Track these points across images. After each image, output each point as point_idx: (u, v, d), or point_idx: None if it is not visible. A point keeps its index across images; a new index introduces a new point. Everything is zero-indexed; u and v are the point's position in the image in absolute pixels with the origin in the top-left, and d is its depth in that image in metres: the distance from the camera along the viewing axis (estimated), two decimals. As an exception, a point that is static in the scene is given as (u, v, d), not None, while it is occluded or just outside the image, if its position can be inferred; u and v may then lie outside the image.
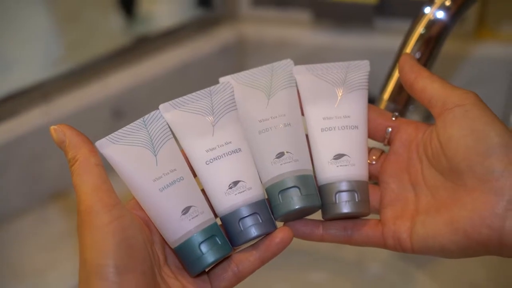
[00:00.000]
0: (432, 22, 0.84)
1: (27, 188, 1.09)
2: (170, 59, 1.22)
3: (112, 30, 1.31)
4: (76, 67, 1.16)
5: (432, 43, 0.84)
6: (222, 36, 1.28)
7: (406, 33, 0.86)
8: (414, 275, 1.02)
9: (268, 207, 0.66)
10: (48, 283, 0.99)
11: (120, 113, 1.14)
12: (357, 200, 0.66)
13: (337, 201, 0.66)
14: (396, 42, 0.87)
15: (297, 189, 0.65)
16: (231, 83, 0.69)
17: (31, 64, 1.19)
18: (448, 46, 0.90)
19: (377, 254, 1.05)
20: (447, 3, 0.83)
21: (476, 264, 1.01)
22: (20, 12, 1.19)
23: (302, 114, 0.69)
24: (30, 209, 1.10)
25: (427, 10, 0.84)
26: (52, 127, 0.63)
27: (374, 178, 0.69)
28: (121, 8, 1.29)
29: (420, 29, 0.84)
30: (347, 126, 0.67)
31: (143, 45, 1.23)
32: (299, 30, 1.26)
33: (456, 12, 0.84)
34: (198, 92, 0.68)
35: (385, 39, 1.19)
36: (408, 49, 0.84)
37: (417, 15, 0.85)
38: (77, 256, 1.00)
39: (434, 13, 0.84)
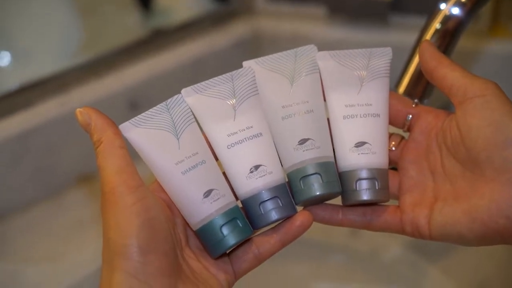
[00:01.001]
0: (448, 18, 0.84)
1: (42, 177, 1.10)
2: (186, 52, 1.23)
3: (129, 23, 1.31)
4: (93, 59, 1.17)
5: (447, 39, 0.84)
6: (237, 30, 1.29)
7: (421, 28, 0.86)
8: (426, 268, 1.02)
9: (289, 191, 0.67)
10: (61, 269, 1.00)
11: (136, 105, 1.15)
12: (377, 188, 0.66)
13: (357, 188, 0.66)
14: (411, 38, 0.88)
15: (318, 176, 0.66)
16: (255, 67, 0.69)
17: (49, 55, 1.20)
18: (462, 43, 0.90)
19: (388, 246, 1.06)
20: (463, 0, 0.84)
21: (487, 260, 1.02)
22: (39, 4, 1.20)
23: (324, 99, 0.69)
24: (45, 199, 1.11)
25: (442, 6, 0.84)
26: (78, 109, 0.64)
27: (393, 164, 0.70)
28: (138, 2, 1.30)
29: (435, 25, 0.84)
30: (369, 114, 0.68)
31: (160, 38, 1.24)
32: (314, 25, 1.27)
33: (472, 8, 0.84)
34: (220, 76, 0.68)
35: (399, 35, 1.20)
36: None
37: (432, 11, 0.85)
38: (91, 244, 1.02)
39: (450, 9, 0.84)
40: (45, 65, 1.16)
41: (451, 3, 0.84)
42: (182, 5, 1.37)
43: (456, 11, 0.84)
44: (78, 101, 1.10)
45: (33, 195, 1.10)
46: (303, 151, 0.66)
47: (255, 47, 1.28)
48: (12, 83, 1.09)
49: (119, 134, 0.63)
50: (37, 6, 1.19)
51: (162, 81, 1.19)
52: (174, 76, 1.19)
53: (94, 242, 1.03)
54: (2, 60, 1.18)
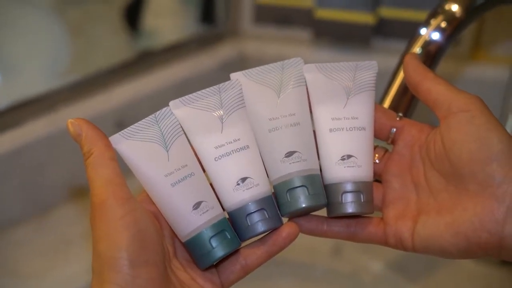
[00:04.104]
0: (428, 43, 0.85)
1: (31, 195, 1.11)
2: (173, 74, 1.24)
3: (117, 44, 1.32)
4: (82, 79, 1.18)
5: (428, 63, 0.85)
6: (223, 52, 1.30)
7: (402, 53, 0.88)
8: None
9: (275, 203, 0.68)
10: (48, 285, 1.01)
11: (123, 124, 1.16)
12: (362, 201, 0.67)
13: (343, 201, 0.67)
14: (393, 61, 0.89)
15: (304, 188, 0.66)
16: (242, 79, 0.70)
17: (38, 75, 1.21)
18: (444, 67, 0.91)
19: (370, 266, 1.07)
20: (443, 25, 0.85)
21: (467, 280, 1.03)
22: (29, 24, 1.21)
23: (311, 112, 0.70)
24: (34, 215, 1.12)
25: (423, 31, 0.86)
26: (69, 120, 0.64)
27: (376, 176, 0.70)
28: (126, 23, 1.31)
29: (416, 49, 0.85)
30: (355, 127, 0.68)
31: (147, 60, 1.25)
32: (299, 48, 1.28)
33: (451, 33, 0.85)
34: (207, 89, 0.69)
35: (382, 58, 1.19)
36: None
37: (413, 36, 0.87)
38: (79, 260, 1.02)
39: (430, 34, 0.85)
40: (34, 84, 1.16)
41: (431, 28, 0.85)
42: (169, 27, 1.39)
43: (436, 36, 0.85)
44: (66, 120, 1.10)
45: (21, 212, 1.10)
46: (290, 163, 0.67)
47: (241, 69, 1.27)
48: (2, 102, 1.10)
49: (109, 146, 0.64)
50: (27, 26, 1.20)
51: (149, 101, 1.20)
52: (160, 97, 1.20)
53: (82, 258, 1.03)
54: (-9, 79, 1.19)
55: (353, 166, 0.67)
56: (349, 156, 0.68)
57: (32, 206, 1.12)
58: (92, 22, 1.32)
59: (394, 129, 0.70)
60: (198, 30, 1.35)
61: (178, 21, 1.41)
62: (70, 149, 1.12)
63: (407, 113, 0.86)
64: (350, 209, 0.67)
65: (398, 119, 0.70)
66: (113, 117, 1.15)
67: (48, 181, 1.12)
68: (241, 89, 0.70)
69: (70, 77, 1.19)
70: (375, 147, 0.71)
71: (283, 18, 1.29)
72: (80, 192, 1.15)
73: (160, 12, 1.40)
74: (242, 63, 1.30)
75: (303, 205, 0.66)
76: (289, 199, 0.67)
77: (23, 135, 1.08)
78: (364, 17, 1.20)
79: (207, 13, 1.34)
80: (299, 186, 0.67)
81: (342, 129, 0.68)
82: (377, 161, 0.70)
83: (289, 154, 0.67)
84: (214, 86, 0.69)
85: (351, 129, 0.68)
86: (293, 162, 0.67)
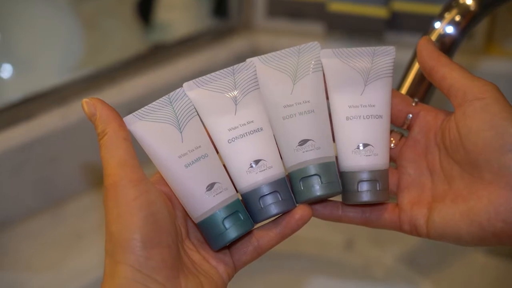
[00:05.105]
0: (442, 36, 0.85)
1: (43, 188, 1.11)
2: (185, 67, 1.24)
3: (130, 38, 1.33)
4: (94, 73, 1.18)
5: (441, 56, 0.86)
6: (236, 45, 1.30)
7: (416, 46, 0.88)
8: (418, 282, 1.03)
9: (288, 185, 0.67)
10: (61, 278, 1.01)
11: (136, 118, 1.16)
12: (378, 189, 0.67)
13: (359, 190, 0.67)
14: (406, 55, 0.89)
15: (318, 177, 0.66)
16: (258, 65, 0.70)
17: (51, 68, 1.21)
18: (457, 61, 0.91)
19: (382, 259, 1.06)
20: (457, 19, 0.85)
21: (479, 273, 1.03)
22: (42, 18, 1.21)
23: (327, 97, 0.69)
24: (46, 209, 1.12)
25: (437, 25, 0.86)
26: (84, 100, 0.64)
27: (391, 161, 0.70)
28: (139, 16, 1.31)
29: (430, 43, 0.86)
30: (372, 115, 0.68)
31: (159, 53, 1.25)
32: (311, 41, 1.28)
33: (465, 27, 0.85)
34: (221, 70, 0.69)
35: (395, 52, 1.21)
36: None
37: (427, 29, 0.86)
38: (91, 253, 1.02)
39: (444, 27, 0.85)
40: (46, 77, 1.17)
41: (445, 22, 0.85)
42: (182, 20, 1.39)
43: (450, 29, 0.85)
44: (79, 113, 1.11)
45: (34, 205, 1.11)
46: (303, 152, 0.67)
47: (253, 62, 1.30)
48: (14, 95, 1.10)
49: (124, 126, 0.64)
50: (40, 19, 1.21)
51: (162, 95, 1.18)
52: (173, 90, 1.20)
53: (96, 251, 1.03)
54: (4, 72, 1.19)
55: (369, 155, 0.67)
56: (366, 145, 0.67)
57: (45, 199, 1.12)
58: (105, 16, 1.32)
59: (410, 115, 0.69)
60: (210, 23, 1.35)
61: (190, 14, 1.42)
62: (82, 142, 1.12)
63: (423, 102, 0.86)
64: (365, 198, 0.67)
65: (413, 104, 0.70)
66: (126, 110, 1.13)
67: (61, 174, 1.13)
68: (255, 70, 0.69)
69: (83, 70, 1.19)
70: (390, 132, 0.70)
71: (296, 11, 1.29)
72: (93, 184, 1.16)
73: (173, 5, 1.41)
74: (254, 56, 1.30)
75: (317, 194, 0.66)
76: (302, 188, 0.67)
77: (36, 128, 1.08)
78: (377, 11, 1.20)
79: (220, 6, 1.34)
80: (312, 175, 0.67)
81: (359, 117, 0.68)
82: (392, 146, 0.70)
83: (303, 142, 0.67)
84: (228, 68, 0.69)
85: (368, 117, 0.68)
86: (306, 151, 0.67)
